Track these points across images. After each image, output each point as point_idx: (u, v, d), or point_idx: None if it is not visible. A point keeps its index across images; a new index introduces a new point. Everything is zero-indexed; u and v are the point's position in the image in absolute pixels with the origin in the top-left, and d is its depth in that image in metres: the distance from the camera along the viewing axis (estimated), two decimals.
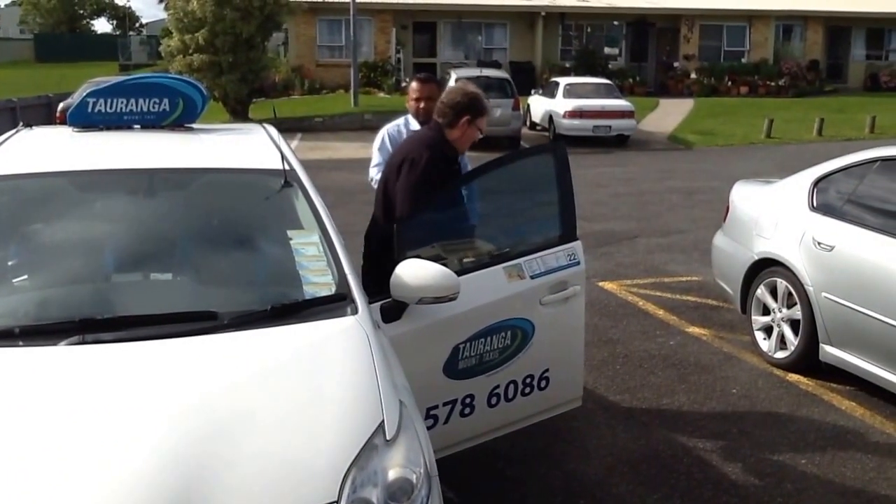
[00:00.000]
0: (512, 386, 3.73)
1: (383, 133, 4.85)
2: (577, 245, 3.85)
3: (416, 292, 3.01)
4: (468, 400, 3.60)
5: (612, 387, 5.14)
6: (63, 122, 4.03)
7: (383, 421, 2.36)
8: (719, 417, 4.71)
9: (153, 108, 3.80)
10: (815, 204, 5.39)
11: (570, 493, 3.93)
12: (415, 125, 4.76)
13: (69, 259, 3.07)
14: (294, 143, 18.07)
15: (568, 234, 3.87)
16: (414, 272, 3.01)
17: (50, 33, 59.21)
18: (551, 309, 3.74)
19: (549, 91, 20.53)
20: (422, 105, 4.69)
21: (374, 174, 4.78)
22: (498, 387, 3.68)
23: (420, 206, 3.68)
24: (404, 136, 4.73)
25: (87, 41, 58.44)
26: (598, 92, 19.68)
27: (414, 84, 4.80)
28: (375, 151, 4.84)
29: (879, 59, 33.37)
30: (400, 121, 4.88)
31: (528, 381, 3.78)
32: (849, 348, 4.98)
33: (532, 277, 3.66)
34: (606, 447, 4.38)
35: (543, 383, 3.83)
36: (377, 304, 3.13)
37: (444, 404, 3.53)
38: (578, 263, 3.83)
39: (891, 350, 4.66)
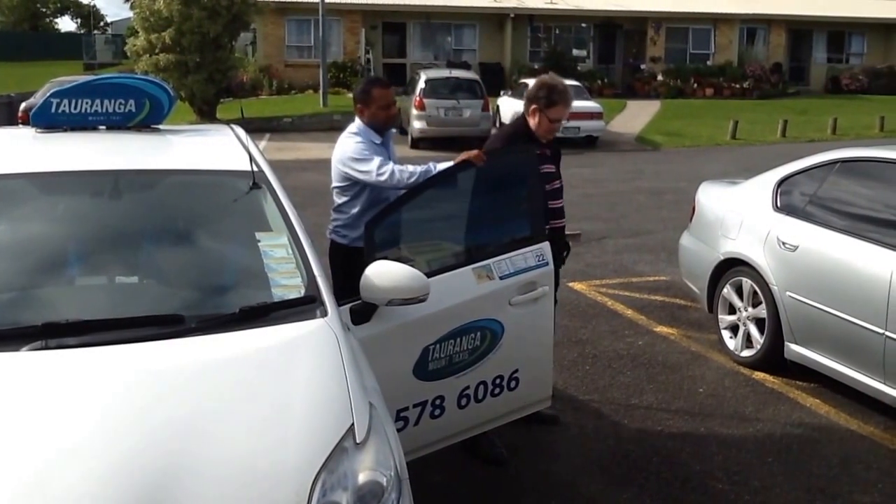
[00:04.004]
0: (482, 387, 3.74)
1: (358, 145, 4.23)
2: (545, 246, 3.88)
3: (385, 294, 3.00)
4: (438, 401, 3.60)
5: (582, 387, 5.17)
6: (26, 123, 3.95)
7: (353, 424, 2.35)
8: (687, 416, 4.75)
9: (119, 108, 3.73)
10: (778, 204, 5.47)
11: (541, 493, 3.94)
12: (375, 137, 4.30)
13: (32, 262, 3.01)
14: (262, 144, 17.92)
15: (537, 234, 3.89)
16: (383, 274, 3.00)
17: (12, 31, 58.16)
18: (520, 309, 3.76)
19: (519, 92, 20.53)
20: (391, 112, 4.36)
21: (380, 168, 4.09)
22: (468, 388, 3.69)
23: (389, 208, 3.67)
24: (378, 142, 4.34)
25: (51, 40, 57.46)
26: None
27: (381, 90, 4.35)
28: (370, 158, 4.15)
29: (840, 63, 33.95)
30: (361, 132, 4.28)
31: (497, 381, 3.79)
32: (813, 346, 5.05)
33: (501, 278, 3.68)
34: (577, 447, 4.40)
35: (513, 384, 3.85)
36: (346, 307, 3.12)
37: (415, 406, 3.52)
38: (547, 264, 3.85)
39: (853, 347, 4.74)
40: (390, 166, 4.09)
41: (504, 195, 4.08)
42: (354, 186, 4.27)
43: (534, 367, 3.94)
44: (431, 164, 4.08)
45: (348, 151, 4.21)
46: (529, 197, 3.92)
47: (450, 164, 4.07)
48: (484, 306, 3.63)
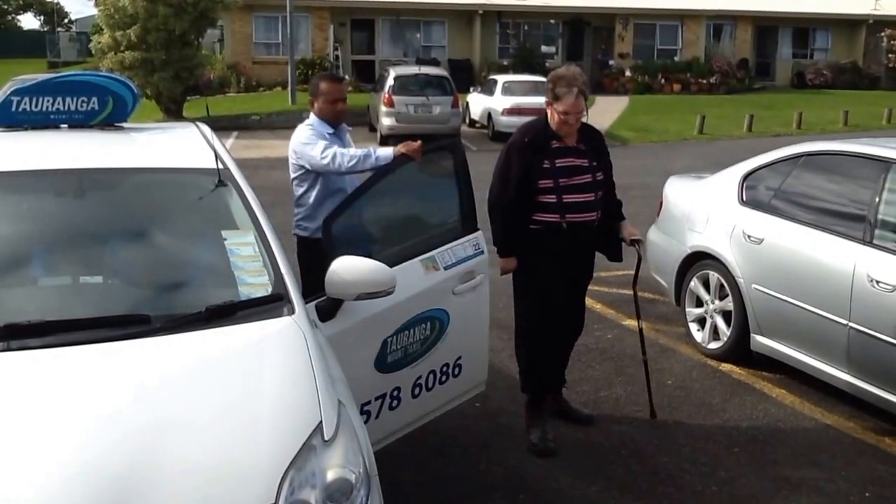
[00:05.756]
0: (431, 375, 3.82)
1: (310, 133, 4.41)
2: (479, 235, 3.99)
3: (353, 288, 3.00)
4: (396, 392, 3.65)
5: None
6: None
7: (321, 421, 2.35)
8: (655, 408, 4.79)
9: (81, 106, 3.68)
10: (744, 198, 5.53)
11: (510, 488, 3.96)
12: (327, 129, 4.44)
13: None
14: (230, 142, 17.78)
15: (470, 224, 4.00)
16: (349, 269, 3.00)
17: None
18: (462, 298, 3.86)
19: (488, 89, 20.63)
20: (339, 107, 4.49)
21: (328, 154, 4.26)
22: (420, 377, 3.76)
23: (344, 203, 3.66)
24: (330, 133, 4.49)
25: (13, 37, 56.54)
26: (535, 89, 19.72)
27: (329, 85, 4.48)
28: (316, 142, 4.33)
29: (805, 58, 34.42)
30: (314, 124, 4.45)
31: (444, 369, 3.88)
32: (778, 337, 5.13)
33: (445, 268, 3.77)
34: None
35: (457, 370, 3.94)
36: (312, 304, 3.12)
37: (376, 399, 3.56)
38: (483, 252, 3.97)
39: (817, 338, 4.81)
40: (333, 149, 4.25)
41: (439, 187, 4.18)
42: (308, 175, 4.44)
43: (474, 353, 4.05)
44: (371, 149, 4.27)
45: (298, 138, 4.41)
46: (460, 188, 4.02)
47: (389, 150, 4.23)
48: (432, 296, 3.70)
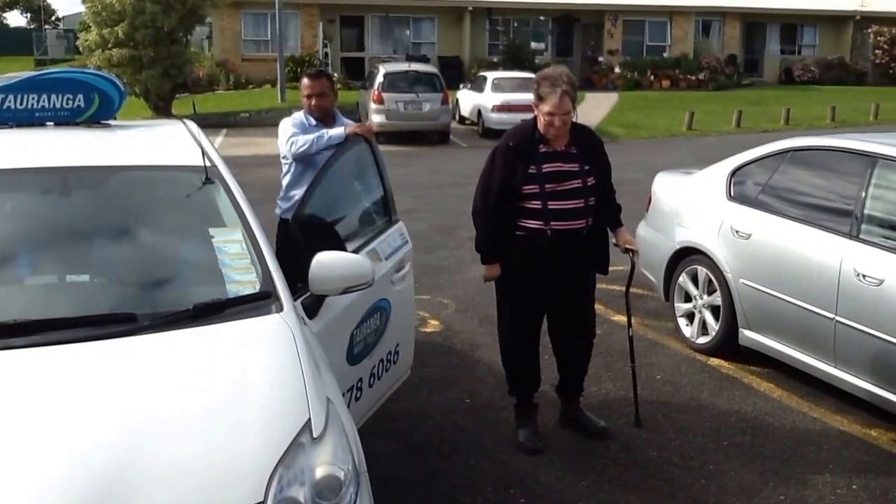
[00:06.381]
0: (381, 364, 3.89)
1: (288, 123, 4.82)
2: (402, 225, 4.12)
3: (339, 283, 3.01)
4: (359, 384, 3.69)
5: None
6: None
7: (309, 419, 2.34)
8: (645, 403, 4.80)
9: (67, 104, 3.67)
10: (732, 194, 5.55)
11: (500, 483, 3.97)
12: (310, 121, 4.80)
13: None
14: (219, 140, 17.73)
15: (393, 215, 4.12)
16: (332, 264, 3.01)
17: None
18: (398, 286, 3.96)
19: (478, 85, 20.62)
20: (313, 102, 4.74)
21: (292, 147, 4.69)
22: (375, 366, 3.83)
23: (304, 199, 3.64)
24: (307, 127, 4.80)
25: (0, 35, 56.19)
26: (525, 86, 19.68)
27: (305, 80, 4.82)
28: (288, 131, 4.75)
29: (793, 54, 34.57)
30: (297, 116, 4.85)
31: (388, 357, 3.97)
32: (766, 332, 5.15)
33: (385, 259, 3.85)
34: None
35: (395, 357, 4.04)
36: (299, 301, 3.11)
37: (347, 392, 3.57)
38: (408, 242, 4.11)
39: (805, 332, 4.84)
40: (298, 138, 4.65)
41: (365, 179, 4.26)
42: (286, 161, 4.83)
43: (407, 339, 4.18)
44: (324, 132, 4.63)
45: (279, 128, 4.85)
46: (381, 178, 4.11)
47: (340, 129, 4.60)
48: (379, 287, 3.70)
